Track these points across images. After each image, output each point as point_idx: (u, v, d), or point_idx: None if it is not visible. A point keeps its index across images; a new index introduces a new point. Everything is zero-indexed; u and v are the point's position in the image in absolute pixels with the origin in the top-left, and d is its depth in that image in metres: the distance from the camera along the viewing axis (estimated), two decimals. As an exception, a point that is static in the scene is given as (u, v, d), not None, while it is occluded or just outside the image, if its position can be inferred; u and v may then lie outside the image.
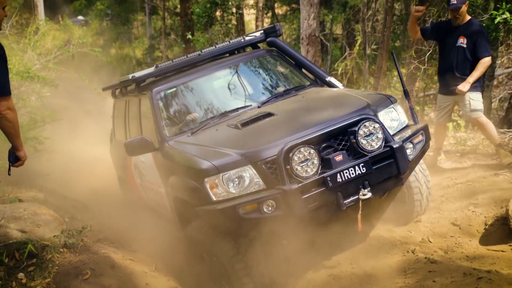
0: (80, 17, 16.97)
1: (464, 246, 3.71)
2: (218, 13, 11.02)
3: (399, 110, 3.61)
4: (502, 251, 3.50)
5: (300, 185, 2.99)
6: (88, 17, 17.00)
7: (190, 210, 3.45)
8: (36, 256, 3.52)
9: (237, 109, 4.04)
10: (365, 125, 3.22)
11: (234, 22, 11.64)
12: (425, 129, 3.56)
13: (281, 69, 4.62)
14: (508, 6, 5.04)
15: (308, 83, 4.45)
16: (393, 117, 3.56)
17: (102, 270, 3.59)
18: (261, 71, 4.62)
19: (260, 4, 10.95)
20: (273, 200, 2.97)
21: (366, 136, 3.24)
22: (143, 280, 3.62)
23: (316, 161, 3.08)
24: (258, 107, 4.02)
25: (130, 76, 4.33)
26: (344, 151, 3.22)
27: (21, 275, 3.38)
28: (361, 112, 3.38)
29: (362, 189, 3.18)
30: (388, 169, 3.28)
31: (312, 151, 3.08)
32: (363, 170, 3.16)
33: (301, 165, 3.04)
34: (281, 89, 4.36)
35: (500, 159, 4.66)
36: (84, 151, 6.89)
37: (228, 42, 4.66)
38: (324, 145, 3.21)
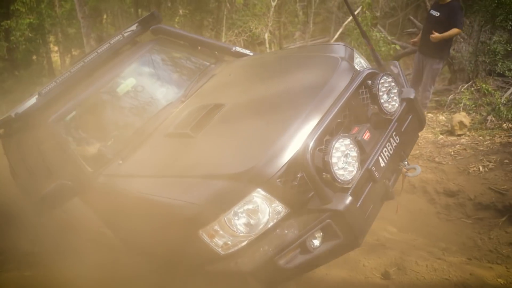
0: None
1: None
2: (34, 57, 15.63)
3: (360, 56, 2.98)
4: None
5: (351, 193, 2.01)
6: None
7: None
8: None
9: (158, 113, 3.07)
10: (382, 83, 2.35)
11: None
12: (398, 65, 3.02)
13: (176, 54, 3.82)
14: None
15: (213, 60, 3.74)
16: (360, 64, 2.92)
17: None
18: (159, 63, 3.68)
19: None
20: (320, 229, 2.01)
21: (387, 95, 2.39)
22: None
23: (355, 151, 2.07)
24: (182, 101, 3.12)
25: (12, 115, 3.25)
26: (368, 124, 2.28)
27: None
28: (356, 68, 2.61)
29: (404, 165, 2.38)
30: (412, 125, 2.53)
31: (348, 140, 2.06)
32: (397, 140, 2.32)
33: (343, 165, 2.02)
34: (189, 74, 3.58)
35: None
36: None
37: (108, 44, 3.71)
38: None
